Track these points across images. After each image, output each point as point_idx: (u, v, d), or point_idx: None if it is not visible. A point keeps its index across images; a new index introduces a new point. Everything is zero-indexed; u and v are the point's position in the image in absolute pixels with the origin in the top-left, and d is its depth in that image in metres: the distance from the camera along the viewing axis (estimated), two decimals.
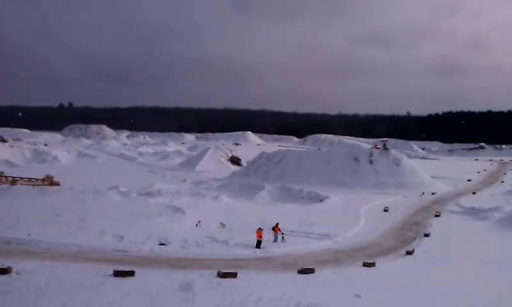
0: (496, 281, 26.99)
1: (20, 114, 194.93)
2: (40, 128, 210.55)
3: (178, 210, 40.59)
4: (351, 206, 50.32)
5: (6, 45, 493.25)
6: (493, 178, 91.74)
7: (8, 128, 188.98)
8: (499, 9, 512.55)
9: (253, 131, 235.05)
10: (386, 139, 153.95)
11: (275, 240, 33.12)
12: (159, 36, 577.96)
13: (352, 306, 20.60)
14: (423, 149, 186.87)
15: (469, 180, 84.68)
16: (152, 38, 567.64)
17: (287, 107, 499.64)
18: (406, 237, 38.70)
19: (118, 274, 22.02)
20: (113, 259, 25.52)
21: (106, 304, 18.13)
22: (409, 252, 32.69)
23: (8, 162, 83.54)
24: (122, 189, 49.64)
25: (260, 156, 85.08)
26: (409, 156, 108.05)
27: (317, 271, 25.98)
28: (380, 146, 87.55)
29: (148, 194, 50.40)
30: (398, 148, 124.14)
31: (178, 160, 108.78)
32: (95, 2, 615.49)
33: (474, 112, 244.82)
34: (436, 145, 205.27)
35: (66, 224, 33.07)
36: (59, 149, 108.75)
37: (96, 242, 29.12)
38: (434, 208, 53.34)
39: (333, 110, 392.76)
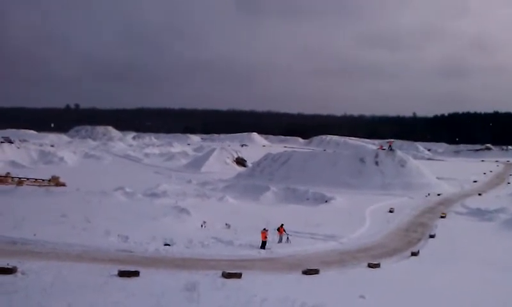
0: (502, 282, 26.87)
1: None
2: (46, 130, 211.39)
3: (184, 210, 40.65)
4: (356, 207, 50.25)
5: (8, 46, 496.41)
6: (499, 180, 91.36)
7: (15, 130, 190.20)
8: (505, 10, 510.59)
9: (259, 132, 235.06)
10: (391, 140, 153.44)
11: (280, 240, 33.11)
12: (164, 37, 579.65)
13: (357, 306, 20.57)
14: (429, 150, 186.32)
15: (475, 181, 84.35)
16: (158, 38, 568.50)
17: (293, 108, 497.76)
18: (411, 238, 38.60)
19: (123, 274, 22.07)
20: (118, 259, 25.59)
21: (111, 304, 18.18)
22: (414, 254, 32.58)
23: (14, 163, 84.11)
24: (128, 190, 49.82)
25: (266, 157, 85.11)
26: (415, 157, 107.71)
27: (321, 272, 25.94)
28: (386, 147, 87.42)
29: (154, 195, 50.52)
30: (404, 149, 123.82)
31: (184, 161, 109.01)
32: (97, 2, 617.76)
33: (480, 113, 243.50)
34: (442, 146, 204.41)
35: (71, 224, 33.20)
36: (66, 151, 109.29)
37: (102, 242, 29.22)
38: (440, 209, 53.17)
39: (338, 112, 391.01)
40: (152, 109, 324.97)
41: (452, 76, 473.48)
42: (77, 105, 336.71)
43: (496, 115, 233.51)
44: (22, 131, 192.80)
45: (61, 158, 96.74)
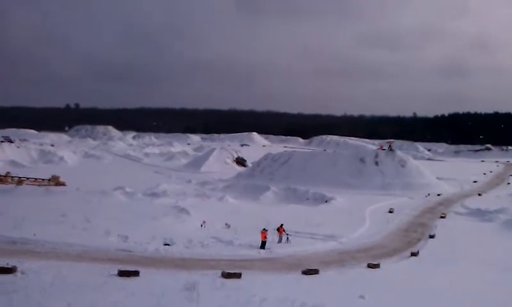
0: (502, 283, 26.89)
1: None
2: (46, 129, 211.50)
3: (183, 210, 40.66)
4: (356, 207, 50.26)
5: (8, 46, 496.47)
6: (499, 180, 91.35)
7: (15, 129, 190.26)
8: (505, 10, 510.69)
9: (259, 132, 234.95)
10: (391, 140, 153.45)
11: (280, 240, 33.10)
12: (164, 37, 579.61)
13: None
14: (429, 150, 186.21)
15: (475, 182, 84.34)
16: (158, 38, 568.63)
17: (293, 108, 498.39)
18: (411, 238, 38.60)
19: (122, 273, 22.10)
20: (118, 259, 25.61)
21: (111, 303, 18.19)
22: (414, 254, 32.59)
23: (14, 163, 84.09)
24: (128, 190, 49.83)
25: (266, 157, 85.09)
26: (415, 157, 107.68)
27: (321, 272, 25.96)
28: (386, 147, 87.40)
29: (154, 195, 50.56)
30: (404, 150, 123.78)
31: (184, 161, 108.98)
32: (97, 2, 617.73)
33: (480, 114, 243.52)
34: (442, 146, 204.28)
35: (71, 224, 33.20)
36: (66, 150, 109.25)
37: (101, 242, 29.23)
38: (440, 209, 53.16)
39: (338, 112, 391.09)
40: (152, 109, 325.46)
41: (452, 76, 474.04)
42: (77, 105, 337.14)
43: (496, 115, 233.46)
44: (22, 130, 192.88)
45: (61, 158, 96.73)
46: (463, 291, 24.36)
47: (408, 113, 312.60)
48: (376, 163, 74.36)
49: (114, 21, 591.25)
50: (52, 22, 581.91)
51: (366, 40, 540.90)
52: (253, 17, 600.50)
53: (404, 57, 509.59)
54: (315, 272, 25.75)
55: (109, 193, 47.46)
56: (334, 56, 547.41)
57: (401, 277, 26.67)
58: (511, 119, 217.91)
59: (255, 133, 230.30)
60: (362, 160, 75.44)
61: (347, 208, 50.54)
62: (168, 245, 29.79)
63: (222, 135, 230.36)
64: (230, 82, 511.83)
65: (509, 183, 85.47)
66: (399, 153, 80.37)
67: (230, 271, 23.72)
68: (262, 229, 31.89)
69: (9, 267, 21.44)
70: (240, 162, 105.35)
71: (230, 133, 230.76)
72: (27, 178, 60.32)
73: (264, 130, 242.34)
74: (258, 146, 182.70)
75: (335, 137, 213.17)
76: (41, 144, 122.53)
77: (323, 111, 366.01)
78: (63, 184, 58.66)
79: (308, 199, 56.67)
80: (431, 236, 39.01)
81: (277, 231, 33.52)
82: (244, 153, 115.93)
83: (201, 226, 36.66)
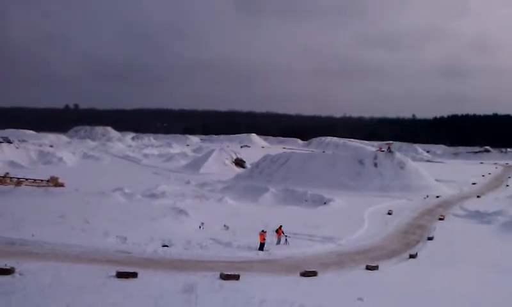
0: (500, 285, 26.90)
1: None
2: (46, 130, 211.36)
3: (182, 211, 40.63)
4: (355, 209, 50.27)
5: (8, 46, 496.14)
6: (497, 182, 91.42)
7: (14, 130, 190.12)
8: (505, 10, 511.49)
9: (258, 133, 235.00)
10: (390, 141, 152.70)
11: (278, 242, 33.09)
12: (164, 37, 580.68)
13: None
14: (428, 152, 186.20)
15: (474, 184, 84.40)
16: (158, 38, 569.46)
17: (292, 109, 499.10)
18: (410, 240, 38.59)
19: (121, 275, 22.08)
20: (116, 260, 25.59)
21: (109, 305, 18.19)
22: (412, 256, 32.60)
23: (13, 163, 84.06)
24: (126, 191, 49.78)
25: (265, 158, 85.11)
26: (414, 159, 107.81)
27: (320, 274, 25.93)
28: (385, 149, 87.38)
29: (153, 196, 50.51)
30: (403, 151, 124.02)
31: (183, 162, 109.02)
32: (97, 2, 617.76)
33: (480, 115, 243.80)
34: (441, 148, 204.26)
35: (70, 225, 33.19)
36: (65, 151, 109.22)
37: (100, 243, 29.21)
38: (439, 211, 53.16)
39: (338, 113, 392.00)
40: (151, 110, 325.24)
41: (452, 76, 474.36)
42: (76, 106, 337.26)
43: (495, 117, 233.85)
44: (21, 131, 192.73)
45: (60, 159, 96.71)
46: (461, 293, 24.37)
47: (407, 114, 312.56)
48: (375, 165, 74.37)
49: (114, 21, 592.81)
50: (52, 22, 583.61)
51: (366, 40, 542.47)
52: (253, 17, 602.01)
53: (404, 58, 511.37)
54: (313, 274, 25.73)
55: (107, 194, 47.42)
56: (334, 56, 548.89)
57: (400, 279, 26.67)
58: (510, 121, 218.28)
59: (253, 134, 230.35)
60: (361, 162, 75.45)
61: (345, 209, 50.55)
62: (167, 246, 29.77)
63: (221, 137, 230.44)
64: (230, 82, 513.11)
65: (507, 185, 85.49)
66: (397, 154, 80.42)
67: (228, 273, 23.71)
68: (260, 230, 31.90)
69: (7, 268, 21.42)
70: (239, 163, 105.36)
71: (229, 134, 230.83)
72: (26, 179, 60.33)
73: (262, 131, 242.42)
74: (257, 147, 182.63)
75: (334, 139, 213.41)
76: (40, 145, 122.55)
77: (322, 112, 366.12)
78: (61, 185, 58.61)
79: (306, 200, 56.66)
80: (430, 238, 39.02)
81: (276, 233, 33.51)
82: (243, 154, 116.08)
83: (200, 227, 36.64)
